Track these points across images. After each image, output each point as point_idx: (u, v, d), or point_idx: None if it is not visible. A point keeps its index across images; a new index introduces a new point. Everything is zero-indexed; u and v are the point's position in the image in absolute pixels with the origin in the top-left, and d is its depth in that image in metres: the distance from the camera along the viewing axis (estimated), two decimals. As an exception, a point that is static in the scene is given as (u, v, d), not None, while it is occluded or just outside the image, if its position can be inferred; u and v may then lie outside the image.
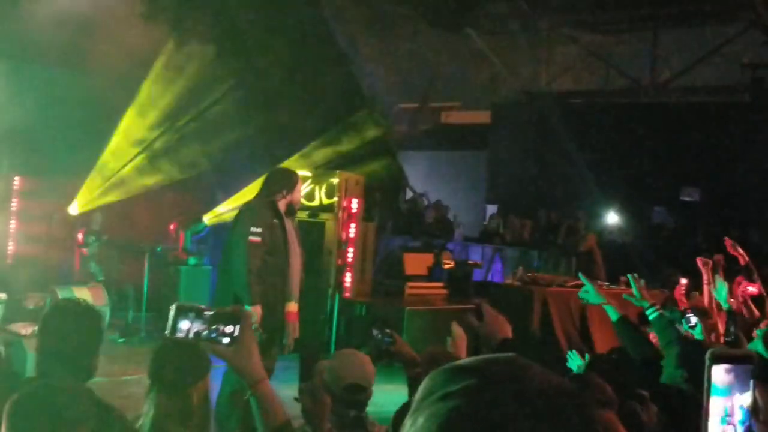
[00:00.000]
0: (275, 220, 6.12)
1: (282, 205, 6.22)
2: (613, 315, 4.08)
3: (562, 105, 16.23)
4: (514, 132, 16.64)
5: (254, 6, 12.82)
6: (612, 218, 14.31)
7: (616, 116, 15.54)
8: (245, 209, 6.29)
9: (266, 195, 6.22)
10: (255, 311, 5.82)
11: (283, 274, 6.18)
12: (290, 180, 6.33)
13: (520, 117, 16.63)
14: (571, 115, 15.65)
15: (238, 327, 1.85)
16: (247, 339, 1.87)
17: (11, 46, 10.49)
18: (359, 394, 3.61)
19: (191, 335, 1.83)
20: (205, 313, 1.85)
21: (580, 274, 4.35)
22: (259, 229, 5.96)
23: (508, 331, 3.30)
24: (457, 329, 3.77)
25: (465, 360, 1.03)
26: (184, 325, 1.83)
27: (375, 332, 3.59)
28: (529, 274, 10.51)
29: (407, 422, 1.00)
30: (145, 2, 11.47)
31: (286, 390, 4.17)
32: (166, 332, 1.84)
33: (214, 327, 1.84)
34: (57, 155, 11.05)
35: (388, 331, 3.63)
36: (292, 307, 6.17)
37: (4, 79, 10.57)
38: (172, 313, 1.82)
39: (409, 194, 15.83)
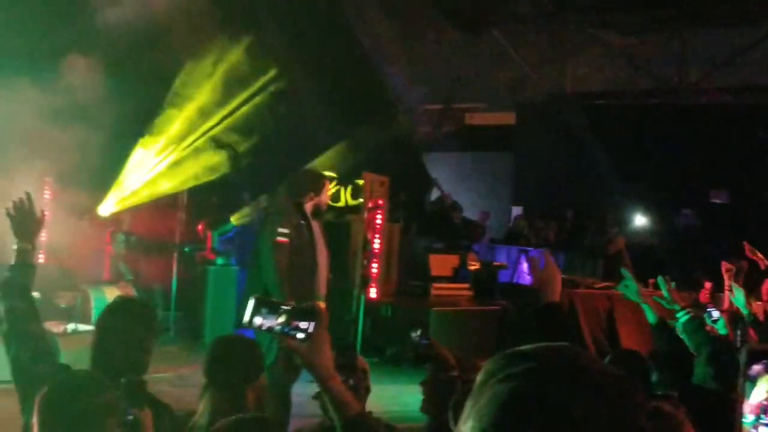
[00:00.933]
0: (302, 221, 6.24)
1: (308, 206, 6.33)
2: (650, 317, 4.08)
3: (588, 106, 16.16)
4: (539, 133, 16.57)
5: (278, 9, 12.89)
6: (639, 220, 14.24)
7: (643, 117, 15.45)
8: (272, 211, 6.41)
9: (293, 197, 6.36)
10: None
11: (310, 273, 6.28)
12: (317, 182, 6.43)
13: (546, 118, 16.57)
14: (597, 116, 15.58)
15: (313, 324, 1.87)
16: (321, 335, 1.89)
17: (44, 47, 10.63)
18: None
19: (266, 329, 1.86)
20: (282, 307, 1.88)
21: (623, 269, 4.35)
22: (285, 230, 6.07)
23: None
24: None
25: (524, 346, 1.09)
26: (259, 318, 1.86)
27: (413, 335, 3.63)
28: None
29: (468, 404, 1.06)
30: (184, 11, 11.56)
31: (311, 389, 4.19)
32: (243, 322, 1.87)
33: (289, 322, 1.86)
34: (87, 156, 11.17)
35: (426, 333, 3.67)
36: (320, 306, 6.24)
37: (39, 80, 10.71)
38: (250, 305, 1.85)
39: (436, 194, 15.81)
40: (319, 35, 13.20)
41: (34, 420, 2.38)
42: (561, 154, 15.77)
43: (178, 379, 8.49)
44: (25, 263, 3.30)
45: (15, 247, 3.34)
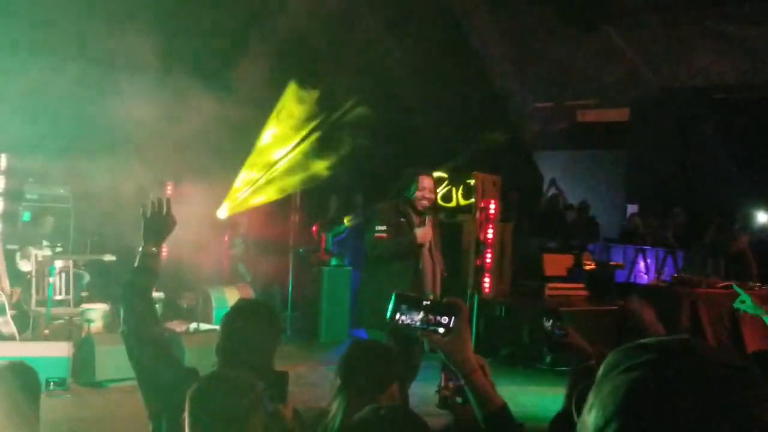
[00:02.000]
0: (402, 219, 6.39)
1: (408, 206, 6.43)
2: None
3: (705, 100, 15.67)
4: (654, 129, 16.16)
5: (383, 11, 12.98)
6: (763, 217, 13.69)
7: (763, 111, 14.87)
8: (372, 211, 6.66)
9: (393, 196, 6.61)
10: None
11: (415, 272, 6.36)
12: (408, 179, 6.51)
13: (660, 114, 16.15)
14: (714, 111, 15.09)
15: (453, 318, 1.88)
16: (462, 330, 1.89)
17: (164, 56, 11.01)
18: None
19: (406, 324, 1.87)
20: (423, 303, 1.88)
21: (734, 285, 4.23)
22: (383, 227, 6.32)
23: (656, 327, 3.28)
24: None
25: (645, 339, 1.10)
26: (400, 314, 1.87)
27: (547, 324, 3.58)
28: (675, 275, 10.20)
29: (591, 395, 1.08)
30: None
31: (428, 389, 4.20)
32: (386, 318, 1.90)
33: (429, 317, 1.87)
34: (206, 161, 11.52)
35: (560, 323, 3.61)
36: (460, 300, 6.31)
37: (161, 87, 11.12)
38: (391, 301, 1.87)
39: (552, 191, 15.60)
40: (427, 36, 13.23)
41: (185, 415, 2.47)
42: (677, 150, 15.34)
43: (296, 377, 8.60)
44: (148, 267, 3.27)
45: (140, 249, 3.31)
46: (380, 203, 6.69)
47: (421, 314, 1.88)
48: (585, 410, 1.08)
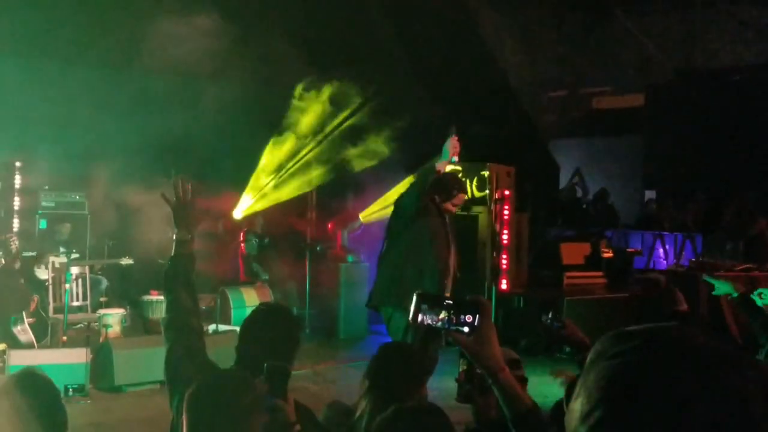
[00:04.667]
0: (429, 204, 6.48)
1: (437, 206, 6.48)
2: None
3: (720, 83, 15.51)
4: (669, 114, 16.03)
5: (396, 8, 12.96)
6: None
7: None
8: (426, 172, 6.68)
9: (426, 191, 6.55)
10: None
11: (442, 271, 6.38)
12: (447, 190, 6.57)
13: (676, 98, 16.01)
14: (730, 93, 14.93)
15: (478, 317, 1.84)
16: (486, 328, 1.84)
17: (177, 60, 11.05)
18: None
19: (429, 324, 1.84)
20: (445, 302, 1.85)
21: (705, 276, 4.39)
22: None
23: (682, 304, 3.27)
24: None
25: (632, 326, 1.09)
26: (422, 315, 1.84)
27: (545, 318, 3.54)
28: (694, 260, 10.11)
29: (578, 382, 1.08)
30: None
31: (446, 383, 4.19)
32: (408, 319, 1.87)
33: (452, 317, 1.84)
34: (221, 162, 11.57)
35: (558, 315, 3.58)
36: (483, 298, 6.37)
37: (171, 92, 11.18)
38: (413, 301, 1.84)
39: (574, 180, 15.52)
40: (438, 29, 13.19)
41: (184, 416, 2.45)
42: (694, 134, 15.20)
43: (315, 375, 8.67)
44: (184, 253, 3.22)
45: (174, 237, 3.26)
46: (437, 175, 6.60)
47: (444, 313, 1.84)
48: (573, 398, 1.08)
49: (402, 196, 6.60)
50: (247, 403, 2.43)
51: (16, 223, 10.64)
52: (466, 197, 6.74)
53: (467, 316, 1.83)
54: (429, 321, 1.84)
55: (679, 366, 1.01)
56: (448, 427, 2.64)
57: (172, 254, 3.24)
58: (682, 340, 1.05)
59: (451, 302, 1.86)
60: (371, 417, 2.95)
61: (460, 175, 10.49)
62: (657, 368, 1.01)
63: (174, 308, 3.13)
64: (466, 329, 1.83)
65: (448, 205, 6.53)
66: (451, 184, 6.63)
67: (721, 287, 4.17)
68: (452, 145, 6.45)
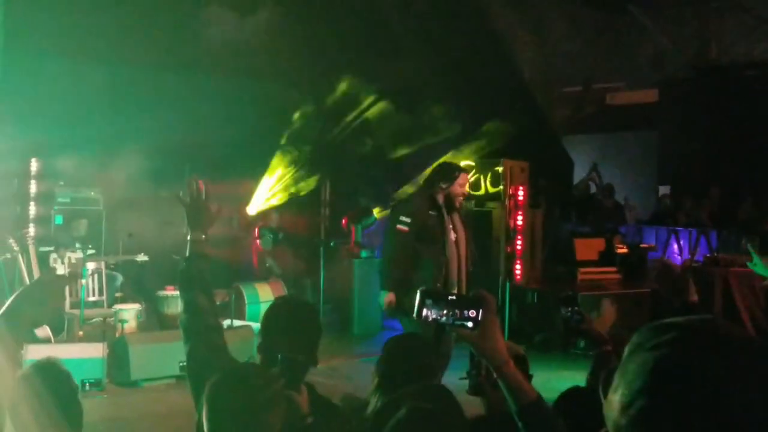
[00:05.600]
0: (431, 212, 6.40)
1: (440, 197, 6.44)
2: None
3: (735, 78, 15.43)
4: (683, 109, 15.97)
5: (411, 3, 12.95)
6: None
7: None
8: (402, 200, 6.65)
9: (426, 187, 6.59)
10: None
11: (438, 264, 6.35)
12: (447, 173, 6.52)
13: (690, 93, 15.94)
14: (745, 89, 14.86)
15: (481, 311, 1.87)
16: (490, 322, 1.87)
17: (190, 57, 11.11)
18: None
19: (434, 320, 1.87)
20: (448, 297, 1.88)
21: (749, 246, 4.23)
22: (407, 219, 6.30)
23: (693, 295, 3.26)
24: (607, 307, 3.74)
25: (670, 318, 1.13)
26: (426, 309, 1.87)
27: (564, 311, 3.55)
28: (709, 255, 10.09)
29: (617, 374, 1.13)
30: None
31: (455, 378, 4.18)
32: (413, 316, 1.89)
33: (455, 312, 1.86)
34: (235, 159, 11.61)
35: (576, 309, 3.58)
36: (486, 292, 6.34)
37: (186, 89, 11.22)
38: (417, 297, 1.87)
39: (591, 176, 15.47)
40: (449, 26, 13.17)
41: (204, 407, 2.45)
42: (707, 129, 15.13)
43: (330, 370, 8.70)
44: (199, 254, 3.18)
45: (189, 238, 3.23)
46: (415, 190, 6.66)
47: (448, 309, 1.87)
48: (611, 390, 1.12)
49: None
50: (265, 399, 2.42)
51: (32, 214, 10.69)
52: (468, 176, 6.72)
53: (471, 311, 1.86)
54: (433, 316, 1.87)
55: (716, 357, 1.05)
56: (455, 408, 2.66)
57: (187, 255, 3.22)
58: (717, 332, 1.09)
59: (454, 298, 1.89)
60: (381, 411, 2.94)
61: (474, 171, 10.53)
62: (695, 359, 1.05)
63: (191, 308, 3.10)
64: (470, 324, 1.86)
65: (456, 188, 6.48)
66: (449, 168, 6.64)
67: (761, 266, 4.05)
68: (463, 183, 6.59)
